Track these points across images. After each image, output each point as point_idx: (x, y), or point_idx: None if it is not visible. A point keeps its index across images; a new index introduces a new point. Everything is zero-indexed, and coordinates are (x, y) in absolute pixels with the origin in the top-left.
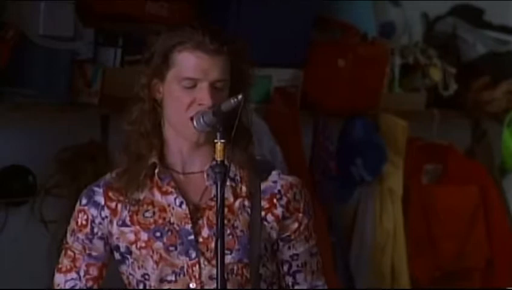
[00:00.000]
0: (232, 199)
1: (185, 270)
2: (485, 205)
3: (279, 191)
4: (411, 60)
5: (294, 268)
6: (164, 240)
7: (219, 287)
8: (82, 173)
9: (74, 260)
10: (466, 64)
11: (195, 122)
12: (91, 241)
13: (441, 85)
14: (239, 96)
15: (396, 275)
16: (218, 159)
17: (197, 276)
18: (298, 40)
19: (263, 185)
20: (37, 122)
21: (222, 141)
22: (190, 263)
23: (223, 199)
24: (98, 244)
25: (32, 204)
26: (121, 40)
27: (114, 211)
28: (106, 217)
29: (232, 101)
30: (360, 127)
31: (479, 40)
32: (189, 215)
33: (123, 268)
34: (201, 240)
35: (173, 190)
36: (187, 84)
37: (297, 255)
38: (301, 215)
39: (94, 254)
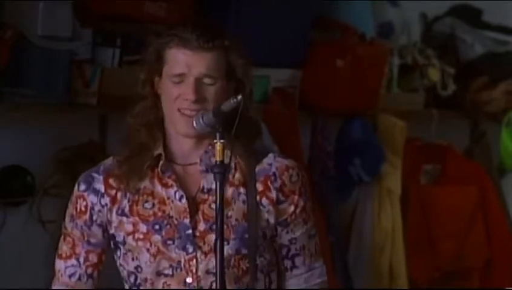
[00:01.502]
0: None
1: (182, 264)
2: (483, 205)
3: (274, 173)
4: (409, 60)
5: (293, 252)
6: (163, 233)
7: (218, 284)
8: (80, 173)
9: (73, 246)
10: (464, 65)
11: (194, 123)
12: (89, 228)
13: (439, 85)
14: (239, 97)
15: (395, 275)
16: (218, 159)
17: (194, 270)
18: (296, 40)
19: (258, 168)
20: (36, 122)
21: (221, 141)
22: (187, 257)
23: (222, 200)
24: (97, 231)
25: (31, 204)
26: (120, 40)
27: (113, 199)
28: (106, 205)
29: (231, 101)
30: (358, 128)
31: (478, 41)
32: (188, 210)
33: (115, 258)
34: (198, 234)
35: (173, 183)
36: (176, 79)
37: (295, 239)
38: (296, 197)
39: (92, 240)
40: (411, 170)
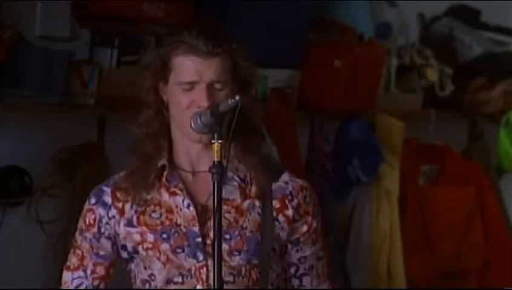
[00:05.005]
0: (240, 200)
1: (192, 272)
2: (481, 206)
3: (290, 192)
4: (407, 61)
5: (301, 271)
6: (171, 242)
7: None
8: (78, 174)
9: (81, 258)
10: (462, 65)
11: (192, 123)
12: (98, 240)
13: (437, 86)
14: (237, 97)
15: (393, 276)
16: (215, 159)
17: (204, 278)
18: (295, 41)
19: (274, 186)
20: (34, 122)
21: (219, 141)
22: (197, 265)
23: (220, 200)
24: (106, 244)
25: (28, 204)
26: (118, 41)
27: (121, 211)
28: (114, 217)
29: (229, 101)
30: (356, 128)
31: (476, 41)
32: (196, 217)
33: (131, 266)
34: (208, 242)
35: (180, 192)
36: (185, 87)
37: (304, 257)
38: (310, 218)
39: (101, 253)
40: (409, 171)
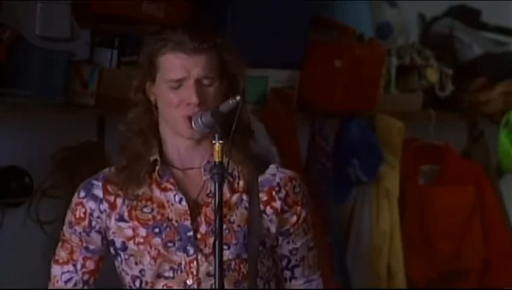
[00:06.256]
0: (228, 194)
1: (183, 266)
2: (481, 206)
3: (278, 183)
4: (407, 61)
5: (293, 263)
6: (163, 236)
7: (217, 286)
8: (78, 174)
9: (71, 252)
10: (462, 65)
11: (193, 124)
12: (88, 234)
13: (437, 86)
14: (238, 97)
15: (393, 276)
16: (217, 160)
17: (194, 272)
18: (295, 41)
19: (261, 178)
20: (34, 123)
21: (220, 141)
22: (188, 259)
23: (220, 200)
24: (96, 237)
25: (28, 205)
26: (118, 41)
27: (112, 205)
28: (105, 210)
29: (230, 102)
30: (356, 128)
31: (476, 41)
32: (188, 212)
33: (116, 264)
34: (199, 236)
35: (172, 187)
36: (173, 85)
37: (296, 249)
38: (299, 208)
39: (91, 247)
40: (409, 171)
